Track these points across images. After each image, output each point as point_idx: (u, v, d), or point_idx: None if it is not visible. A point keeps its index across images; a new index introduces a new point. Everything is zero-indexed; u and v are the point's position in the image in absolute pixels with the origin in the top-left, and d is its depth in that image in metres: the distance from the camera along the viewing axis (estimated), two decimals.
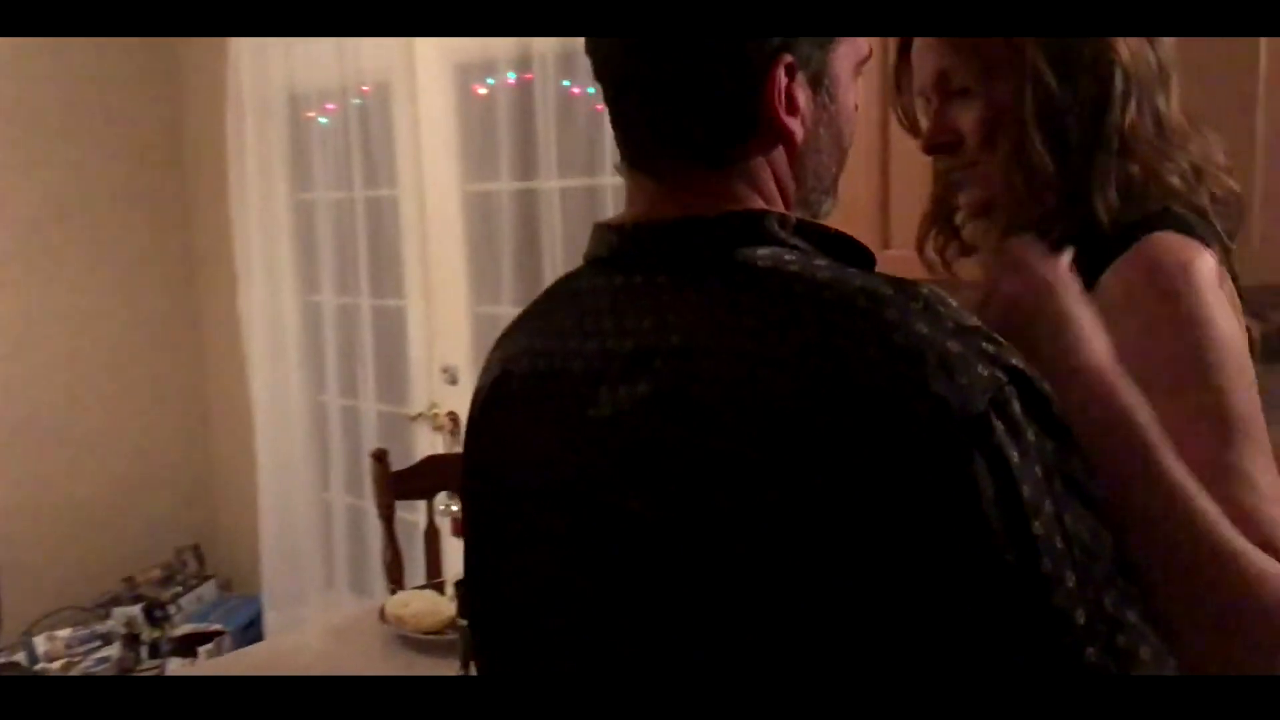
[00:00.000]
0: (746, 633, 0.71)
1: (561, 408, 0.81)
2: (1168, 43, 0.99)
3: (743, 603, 0.71)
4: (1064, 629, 0.65)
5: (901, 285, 0.71)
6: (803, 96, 0.78)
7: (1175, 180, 0.95)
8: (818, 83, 0.80)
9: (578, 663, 0.81)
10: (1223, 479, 0.80)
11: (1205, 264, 0.88)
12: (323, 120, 3.40)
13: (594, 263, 0.85)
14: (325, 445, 3.57)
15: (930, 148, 1.02)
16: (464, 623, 1.48)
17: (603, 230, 0.84)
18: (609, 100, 0.83)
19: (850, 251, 0.79)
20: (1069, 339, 0.81)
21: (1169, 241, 0.90)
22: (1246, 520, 0.77)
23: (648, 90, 0.79)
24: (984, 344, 0.69)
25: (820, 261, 0.75)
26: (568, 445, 0.80)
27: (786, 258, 0.75)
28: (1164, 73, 0.96)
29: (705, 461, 0.71)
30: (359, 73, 3.22)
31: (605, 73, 0.83)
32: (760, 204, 0.79)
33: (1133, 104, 0.94)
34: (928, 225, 1.10)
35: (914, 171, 1.07)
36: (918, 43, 1.02)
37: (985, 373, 0.67)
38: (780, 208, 0.80)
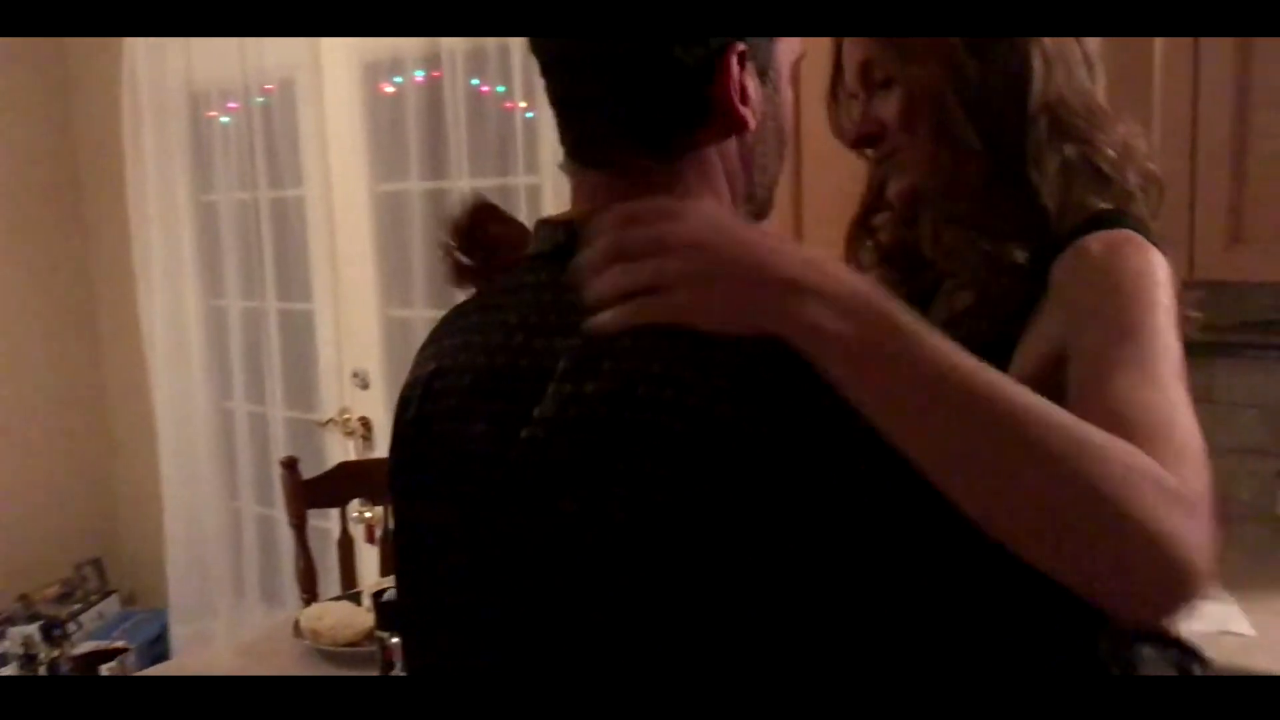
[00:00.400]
0: (684, 634, 0.71)
1: (505, 406, 0.79)
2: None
3: (682, 604, 0.71)
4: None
5: None
6: (752, 86, 0.78)
7: (1107, 159, 0.93)
8: (764, 74, 0.80)
9: (503, 660, 0.80)
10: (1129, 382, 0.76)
11: (1161, 262, 0.87)
12: (224, 119, 3.31)
13: (537, 258, 0.83)
14: (232, 453, 3.48)
15: (856, 140, 1.01)
16: (382, 634, 1.44)
17: (549, 226, 0.84)
18: (558, 92, 0.82)
19: None
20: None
21: (1126, 235, 0.89)
22: (1146, 408, 0.73)
23: (601, 77, 0.77)
24: None
25: None
26: (507, 443, 0.78)
27: None
28: (1088, 58, 0.96)
29: (650, 463, 0.71)
30: (262, 70, 3.14)
31: (554, 62, 0.81)
32: (710, 198, 0.79)
33: (1056, 80, 0.93)
34: (853, 229, 1.09)
35: (829, 175, 1.07)
36: (845, 43, 1.01)
37: None
38: (729, 201, 0.80)
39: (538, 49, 0.82)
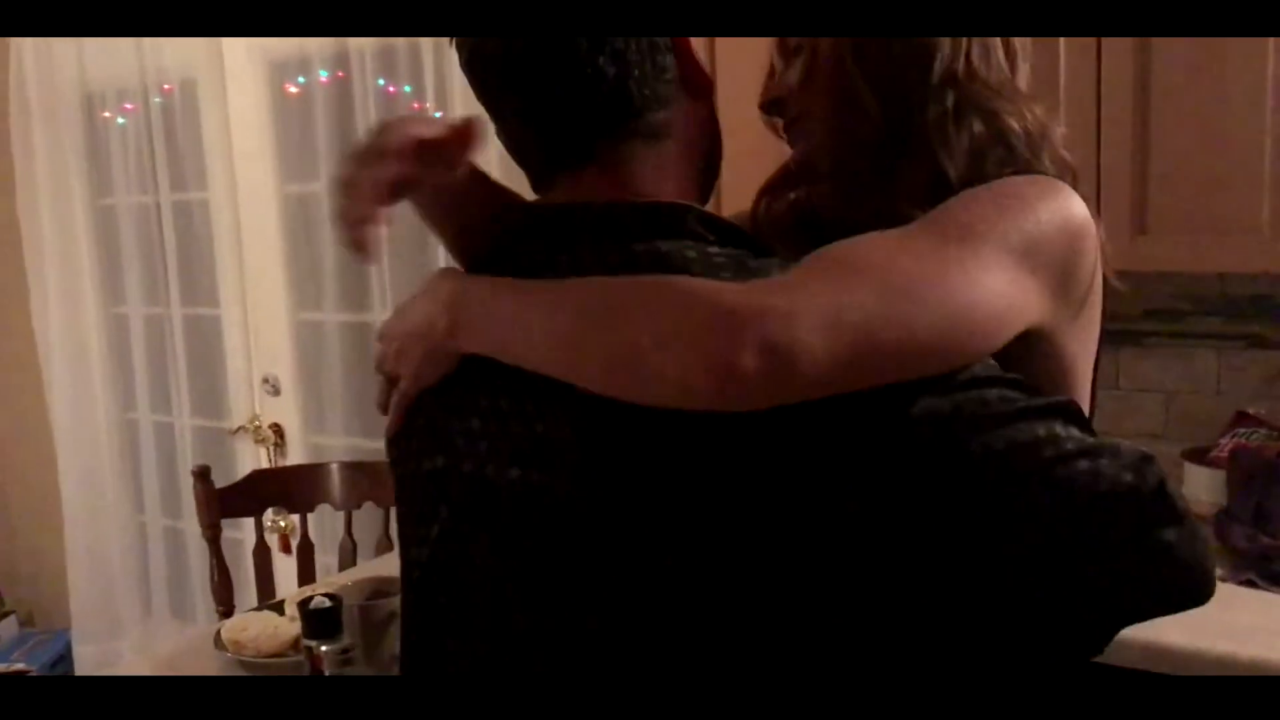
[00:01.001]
0: (687, 648, 0.74)
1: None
2: None
3: (686, 616, 0.73)
4: None
5: (785, 266, 0.74)
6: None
7: (1020, 138, 0.89)
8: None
9: (490, 649, 0.82)
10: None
11: (1078, 203, 0.84)
12: (121, 121, 3.21)
13: (517, 241, 0.85)
14: (137, 465, 3.37)
15: (763, 104, 1.00)
16: (310, 643, 1.41)
17: (529, 212, 0.87)
18: (533, 89, 0.82)
19: (745, 241, 0.81)
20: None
21: (1046, 178, 0.86)
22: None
23: (594, 58, 0.79)
24: None
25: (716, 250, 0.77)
26: (465, 428, 0.82)
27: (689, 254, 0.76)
28: (1009, 44, 0.93)
29: (616, 447, 0.73)
30: (160, 70, 3.05)
31: (526, 63, 0.81)
32: (691, 189, 0.85)
33: (966, 55, 0.90)
34: (761, 193, 1.05)
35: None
36: None
37: None
38: (698, 186, 0.86)
39: (481, 65, 0.84)
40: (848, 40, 0.89)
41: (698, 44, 0.84)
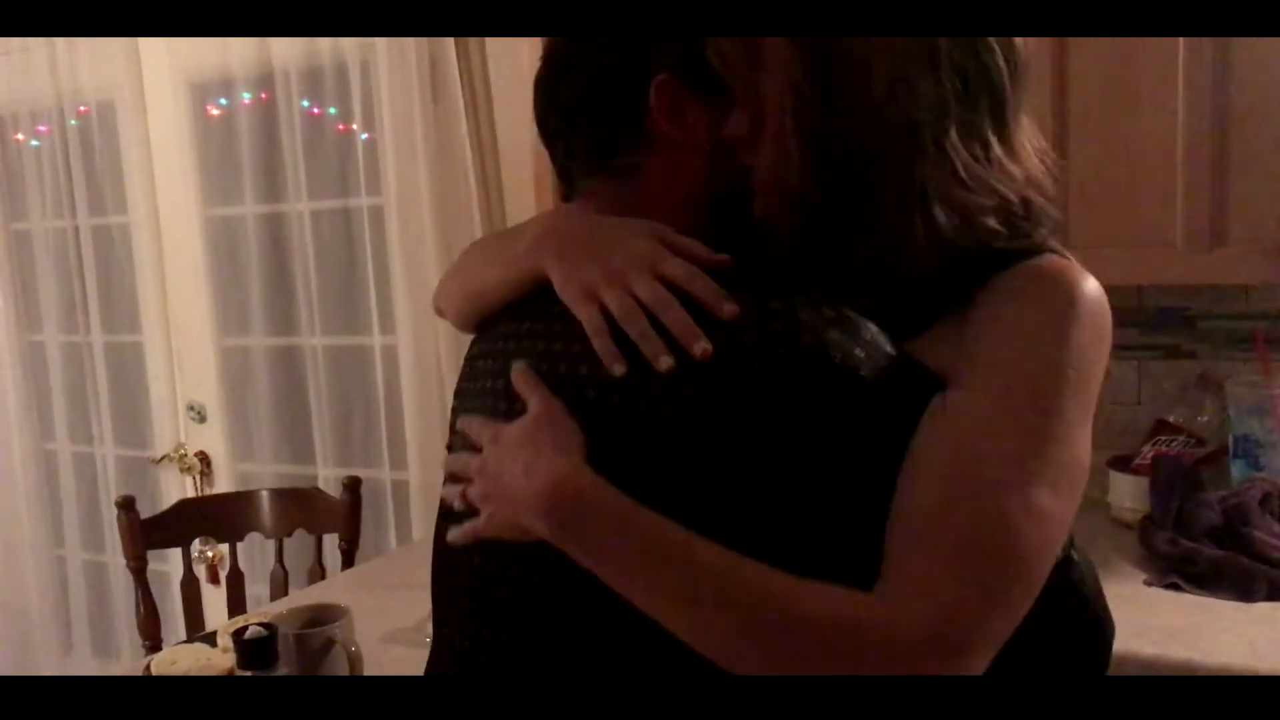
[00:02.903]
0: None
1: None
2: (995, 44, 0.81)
3: None
4: None
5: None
6: (694, 109, 0.88)
7: (995, 223, 0.81)
8: (715, 93, 0.88)
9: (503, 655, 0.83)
10: (997, 483, 0.72)
11: (1096, 286, 0.79)
12: (35, 143, 3.12)
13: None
14: (56, 497, 3.27)
15: (712, 146, 0.90)
16: (246, 673, 1.38)
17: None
18: (567, 106, 0.91)
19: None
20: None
21: (1060, 263, 0.80)
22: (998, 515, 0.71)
23: (557, 116, 0.92)
24: None
25: None
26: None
27: None
28: (991, 80, 0.81)
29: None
30: (76, 91, 2.98)
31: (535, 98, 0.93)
32: (661, 213, 0.87)
33: (934, 133, 0.78)
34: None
35: None
36: None
37: None
38: (689, 212, 0.89)
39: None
40: (789, 98, 0.80)
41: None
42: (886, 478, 0.74)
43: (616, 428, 0.77)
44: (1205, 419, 1.93)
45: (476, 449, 0.83)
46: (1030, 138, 0.86)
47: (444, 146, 2.37)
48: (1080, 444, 0.76)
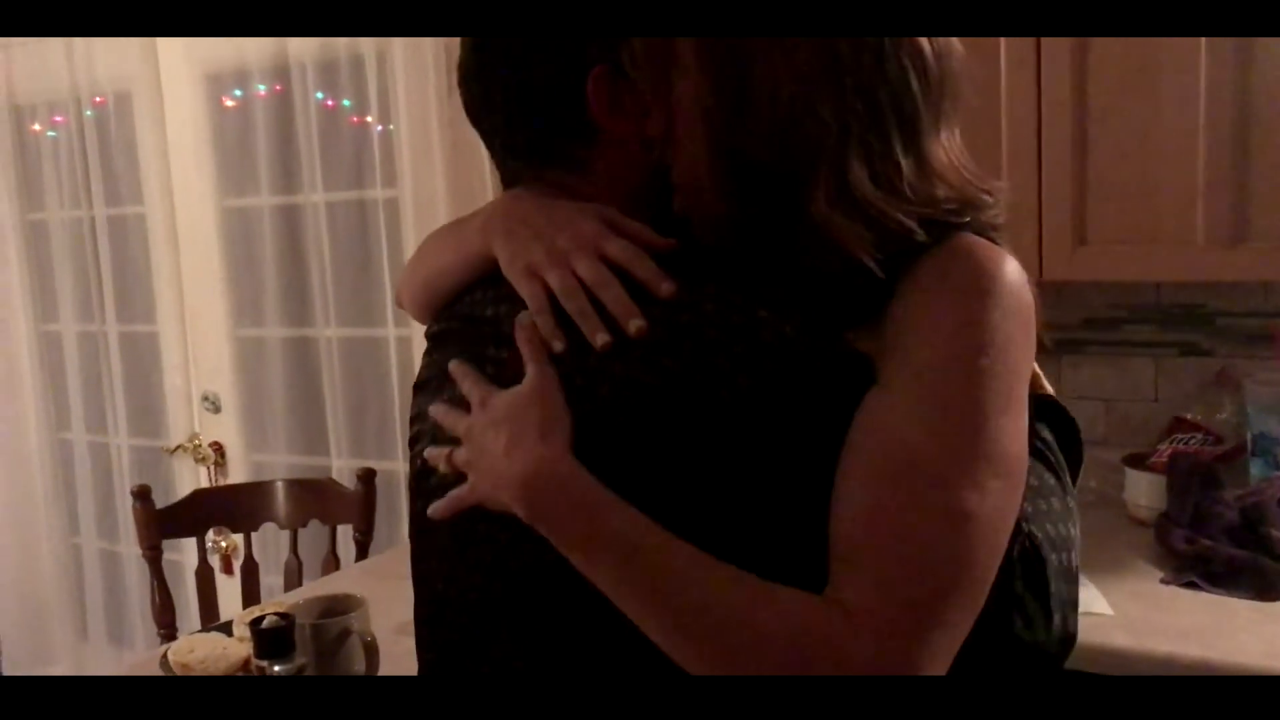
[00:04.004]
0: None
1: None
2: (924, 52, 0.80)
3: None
4: None
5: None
6: (632, 99, 0.86)
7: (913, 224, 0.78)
8: (656, 84, 0.87)
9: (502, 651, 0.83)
10: (926, 480, 0.71)
11: (1014, 267, 0.77)
12: (52, 134, 3.14)
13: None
14: (72, 486, 3.29)
15: (639, 141, 0.89)
16: (262, 663, 1.39)
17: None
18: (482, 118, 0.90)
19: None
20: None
21: (968, 241, 0.78)
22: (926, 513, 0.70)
23: (493, 107, 0.89)
24: None
25: None
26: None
27: None
28: (900, 101, 0.79)
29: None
30: (93, 82, 2.99)
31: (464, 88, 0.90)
32: (611, 200, 0.87)
33: (834, 157, 0.78)
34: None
35: None
36: None
37: None
38: (633, 201, 0.88)
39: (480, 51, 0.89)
40: (700, 114, 0.80)
41: None
42: (821, 459, 0.74)
43: None
44: (1223, 417, 1.92)
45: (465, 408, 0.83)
46: (957, 154, 0.82)
47: (459, 139, 2.37)
48: (1007, 432, 0.73)
